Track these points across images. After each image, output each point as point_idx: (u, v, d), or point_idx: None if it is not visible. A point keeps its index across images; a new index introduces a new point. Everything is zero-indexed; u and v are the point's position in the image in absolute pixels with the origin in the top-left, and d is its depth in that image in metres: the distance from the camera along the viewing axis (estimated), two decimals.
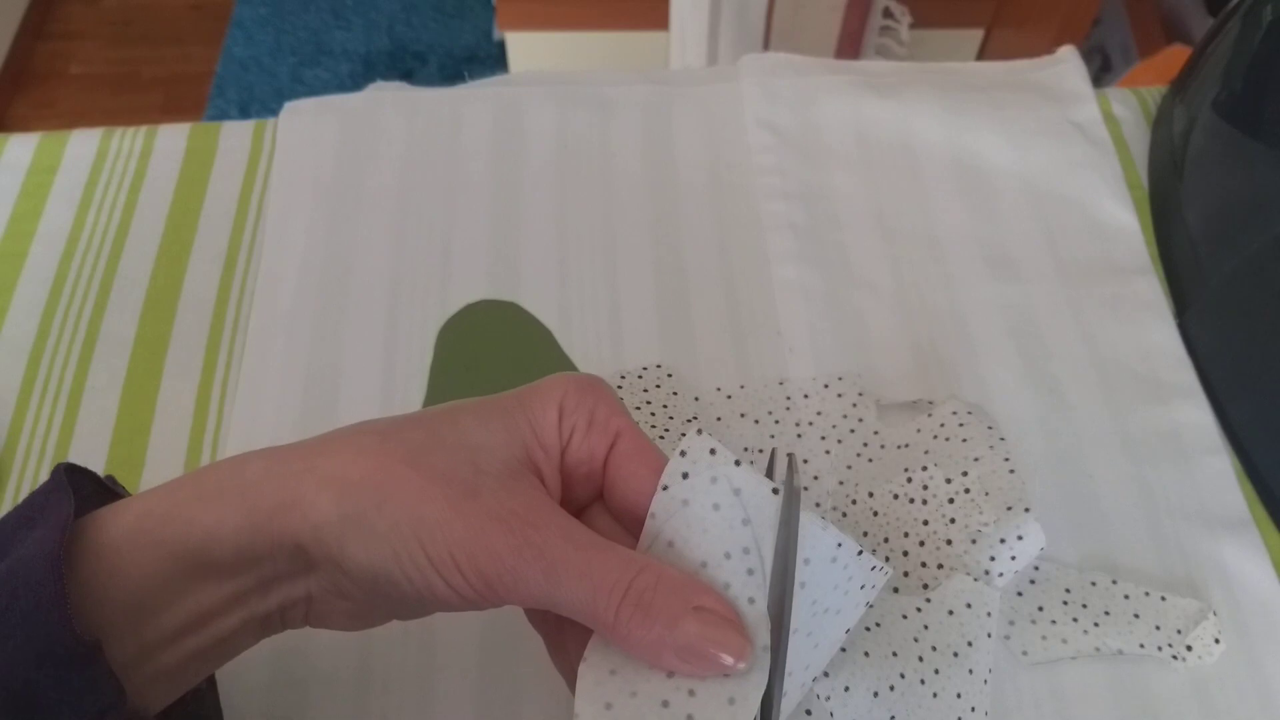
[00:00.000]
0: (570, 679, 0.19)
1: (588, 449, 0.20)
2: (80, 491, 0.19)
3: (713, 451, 0.19)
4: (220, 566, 0.18)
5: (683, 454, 0.19)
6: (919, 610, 0.25)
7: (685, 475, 0.19)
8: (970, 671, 0.25)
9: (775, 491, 0.19)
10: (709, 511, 0.19)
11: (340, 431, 0.19)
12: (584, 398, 0.20)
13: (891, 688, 0.24)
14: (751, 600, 0.18)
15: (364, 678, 0.26)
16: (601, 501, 0.21)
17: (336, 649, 0.27)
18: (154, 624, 0.18)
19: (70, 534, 0.18)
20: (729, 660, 0.17)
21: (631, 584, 0.18)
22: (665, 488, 0.19)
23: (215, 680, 0.23)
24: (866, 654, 0.24)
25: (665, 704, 0.18)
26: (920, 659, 0.25)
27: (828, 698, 0.24)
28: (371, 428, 0.19)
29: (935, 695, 0.24)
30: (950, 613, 0.25)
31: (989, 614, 0.26)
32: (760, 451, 0.30)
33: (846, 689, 0.24)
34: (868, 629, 0.25)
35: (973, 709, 0.25)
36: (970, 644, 0.25)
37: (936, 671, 0.25)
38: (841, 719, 0.24)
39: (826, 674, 0.24)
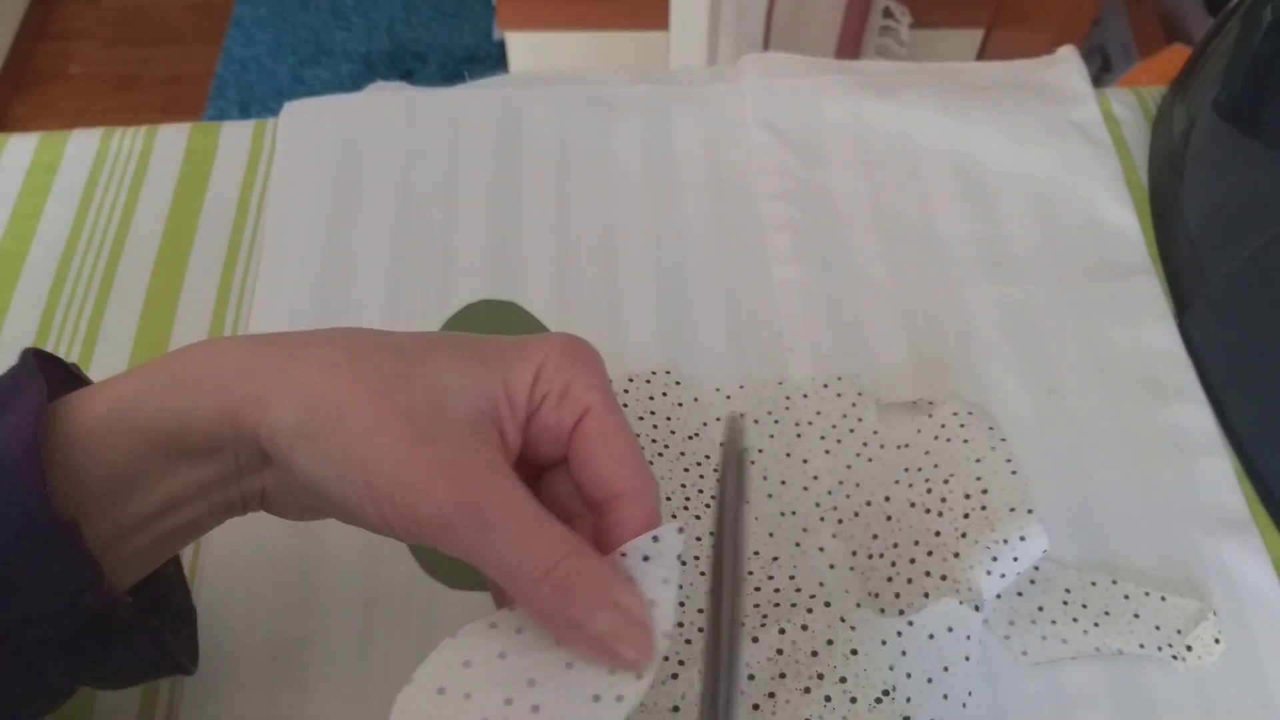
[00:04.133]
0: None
1: (556, 418, 0.20)
2: (50, 376, 0.19)
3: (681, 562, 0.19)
4: (191, 453, 0.19)
5: (655, 539, 0.19)
6: (899, 634, 0.25)
7: (646, 559, 0.19)
8: (945, 697, 0.25)
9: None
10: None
11: (322, 334, 0.20)
12: (565, 365, 0.20)
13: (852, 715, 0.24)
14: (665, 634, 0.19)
15: (364, 678, 0.26)
16: (565, 469, 0.21)
17: (336, 649, 0.27)
18: (128, 507, 0.18)
19: (44, 418, 0.18)
20: (631, 657, 0.18)
21: (559, 564, 0.18)
22: (623, 555, 0.19)
23: (180, 560, 0.23)
24: (844, 679, 0.24)
25: (531, 682, 0.18)
26: (894, 688, 0.24)
27: None
28: (350, 341, 0.19)
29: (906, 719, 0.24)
30: (930, 637, 0.25)
31: (968, 637, 0.25)
32: (760, 451, 0.30)
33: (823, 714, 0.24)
34: (849, 653, 0.24)
35: None
36: (946, 669, 0.25)
37: (909, 699, 0.24)
38: None
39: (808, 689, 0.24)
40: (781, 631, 0.25)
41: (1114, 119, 0.39)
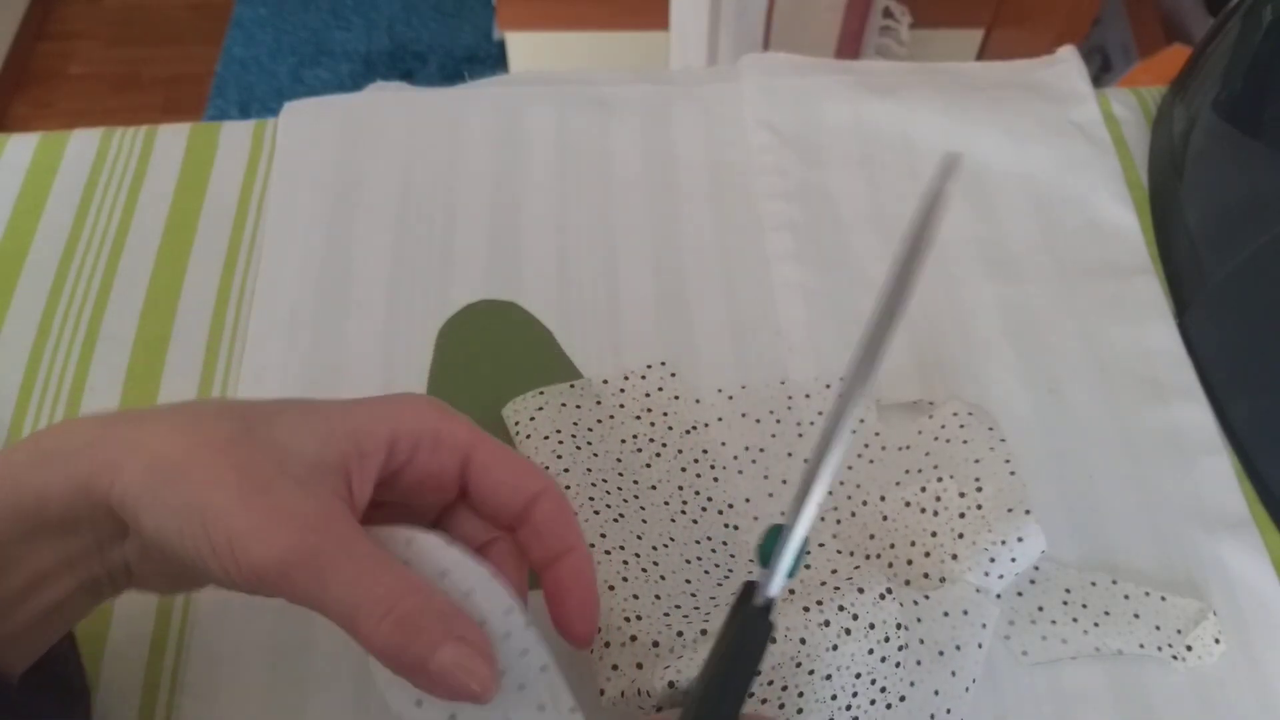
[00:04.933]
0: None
1: (437, 463, 0.21)
2: None
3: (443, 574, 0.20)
4: (51, 528, 0.19)
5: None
6: (915, 603, 0.25)
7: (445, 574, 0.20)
8: (953, 674, 0.25)
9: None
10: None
11: (174, 406, 0.20)
12: (426, 416, 0.21)
13: (874, 625, 0.24)
14: (524, 652, 0.20)
15: (364, 678, 0.26)
16: (466, 506, 0.22)
17: (336, 649, 0.27)
18: None
19: None
20: (476, 689, 0.18)
21: (398, 603, 0.18)
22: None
23: (75, 640, 0.24)
24: (861, 590, 0.24)
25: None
26: (905, 646, 0.25)
27: (826, 623, 0.24)
28: (198, 409, 0.20)
29: (912, 684, 0.24)
30: (945, 614, 0.25)
31: (984, 626, 0.25)
32: (761, 450, 0.30)
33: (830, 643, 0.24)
34: (870, 572, 0.25)
35: (948, 710, 0.25)
36: (958, 648, 0.25)
37: (919, 663, 0.25)
38: (814, 692, 0.24)
39: (820, 602, 0.24)
40: (807, 567, 0.26)
41: (1114, 119, 0.39)
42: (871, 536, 0.28)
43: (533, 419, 0.29)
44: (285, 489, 0.19)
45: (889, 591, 0.24)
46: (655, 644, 0.24)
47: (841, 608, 0.24)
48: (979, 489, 0.28)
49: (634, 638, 0.25)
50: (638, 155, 0.38)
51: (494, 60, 1.26)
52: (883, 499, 0.29)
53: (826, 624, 0.24)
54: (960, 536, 0.27)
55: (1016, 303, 0.34)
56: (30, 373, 0.33)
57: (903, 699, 0.24)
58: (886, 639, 0.24)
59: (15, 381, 0.32)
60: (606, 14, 0.97)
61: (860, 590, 0.24)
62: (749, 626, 0.19)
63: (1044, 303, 0.34)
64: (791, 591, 0.25)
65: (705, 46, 0.77)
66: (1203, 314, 0.33)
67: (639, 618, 0.25)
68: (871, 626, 0.24)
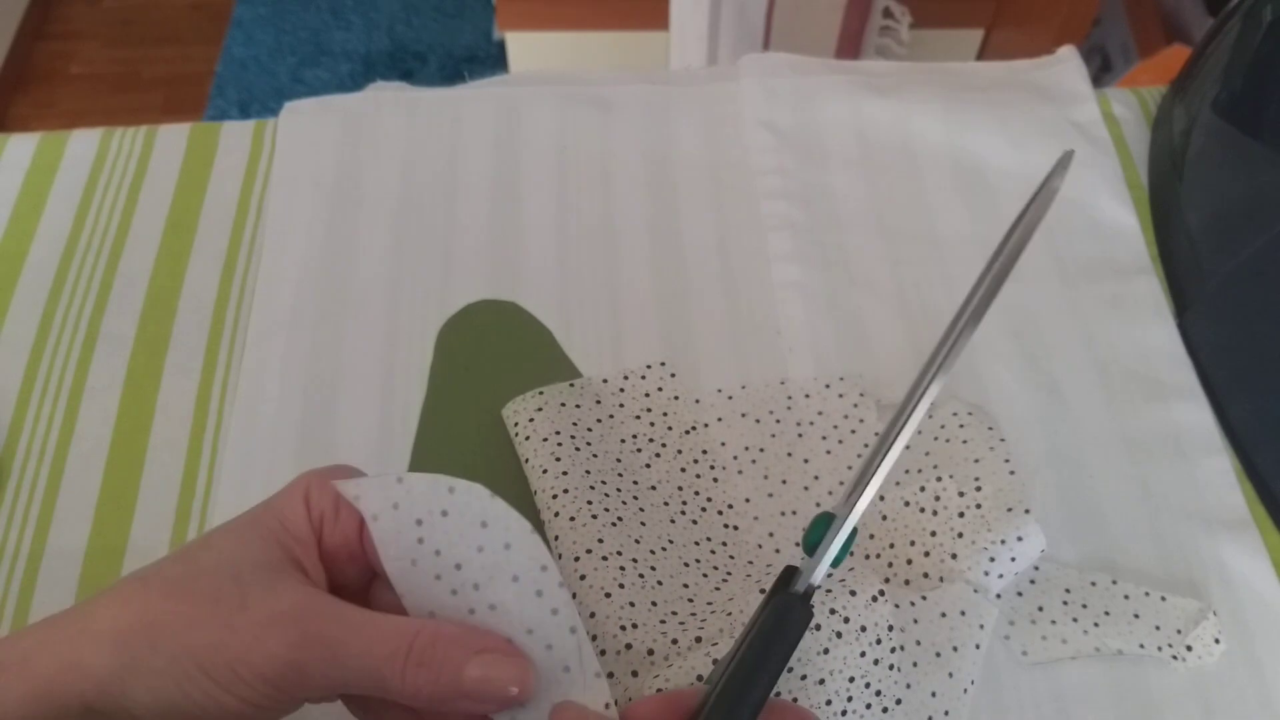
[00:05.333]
0: None
1: (341, 533, 0.21)
2: None
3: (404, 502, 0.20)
4: None
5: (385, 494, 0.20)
6: (912, 604, 0.25)
7: (396, 506, 0.20)
8: (950, 675, 0.25)
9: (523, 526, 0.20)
10: (473, 554, 0.20)
11: (109, 587, 0.20)
12: (325, 488, 0.21)
13: (865, 628, 0.24)
14: (555, 611, 0.20)
15: None
16: (381, 577, 0.22)
17: None
18: None
19: None
20: (514, 691, 0.19)
21: (411, 646, 0.19)
22: (375, 518, 0.20)
23: None
24: (853, 592, 0.24)
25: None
26: (901, 648, 0.25)
27: (817, 626, 0.24)
28: (135, 575, 0.20)
29: (909, 686, 0.24)
30: (943, 615, 0.25)
31: (981, 626, 0.25)
32: (761, 450, 0.30)
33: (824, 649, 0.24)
34: (861, 573, 0.25)
35: (946, 713, 0.25)
36: (955, 649, 0.25)
37: (915, 664, 0.25)
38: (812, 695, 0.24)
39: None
40: None
41: (1114, 119, 0.39)
42: (871, 536, 0.28)
43: (532, 420, 0.29)
44: (258, 597, 0.19)
45: (881, 594, 0.24)
46: (650, 651, 0.24)
47: (833, 610, 0.24)
48: (978, 488, 0.27)
49: (629, 646, 0.25)
50: (637, 155, 0.38)
51: (494, 60, 1.26)
52: (882, 499, 0.29)
53: (817, 628, 0.24)
54: (959, 536, 0.27)
55: (1017, 303, 0.34)
56: (30, 373, 0.33)
57: (899, 702, 0.24)
58: (879, 641, 0.24)
59: (15, 381, 0.32)
60: (606, 14, 0.96)
61: (852, 593, 0.24)
62: (788, 611, 0.19)
63: (1044, 303, 0.34)
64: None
65: (705, 46, 0.77)
66: (1203, 314, 0.33)
67: (635, 625, 0.25)
68: (863, 629, 0.24)
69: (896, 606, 0.25)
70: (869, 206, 0.37)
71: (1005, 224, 0.36)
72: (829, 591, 0.24)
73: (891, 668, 0.24)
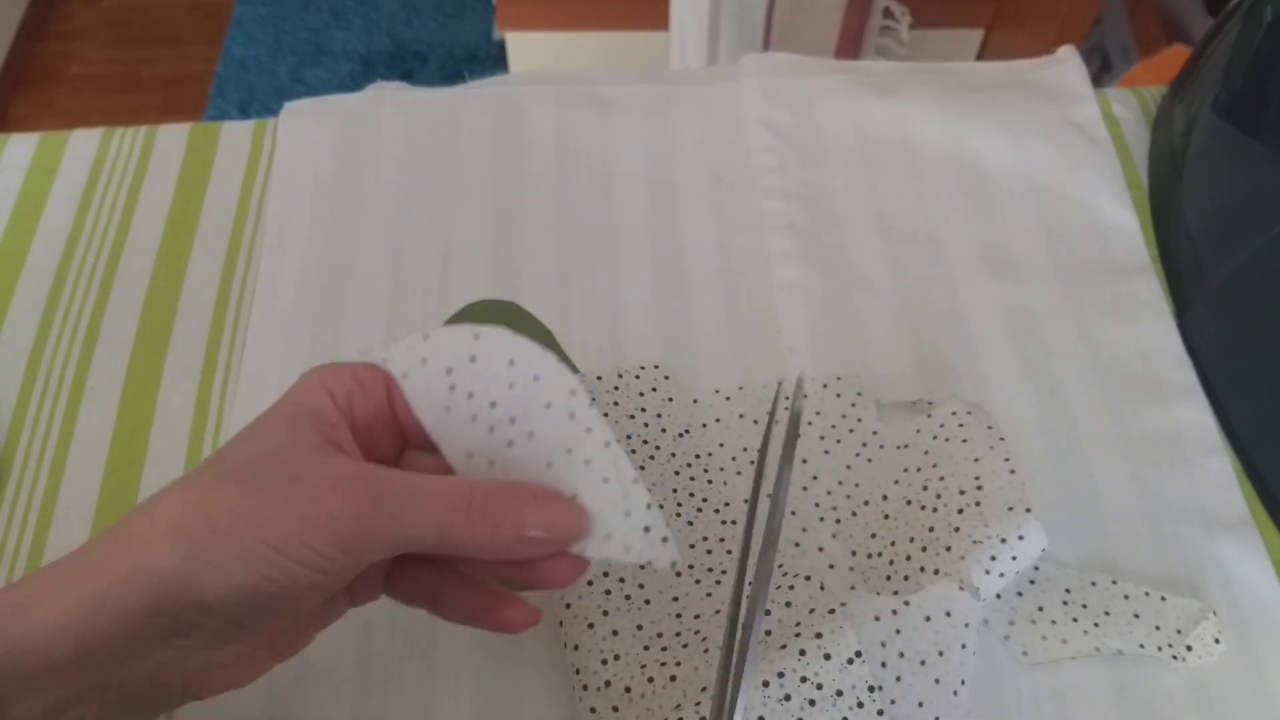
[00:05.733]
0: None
1: (372, 403, 0.21)
2: None
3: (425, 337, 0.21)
4: (61, 662, 0.18)
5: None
6: (894, 613, 0.25)
7: (425, 360, 0.21)
8: (936, 681, 0.25)
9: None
10: (505, 391, 0.21)
11: (150, 497, 0.20)
12: (340, 371, 0.21)
13: (842, 692, 0.24)
14: (589, 430, 0.20)
15: (364, 677, 0.26)
16: (411, 449, 0.22)
17: (336, 649, 0.27)
18: None
19: None
20: (575, 528, 0.20)
21: (469, 499, 0.19)
22: (405, 375, 0.21)
23: None
24: (828, 656, 0.24)
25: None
26: (883, 664, 0.24)
27: (786, 697, 0.23)
28: (176, 481, 0.20)
29: (893, 702, 0.24)
30: (927, 619, 0.25)
31: (967, 625, 0.25)
32: (760, 451, 0.30)
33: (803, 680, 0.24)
34: (838, 628, 0.25)
35: (937, 719, 0.25)
36: (941, 654, 0.25)
37: (898, 678, 0.24)
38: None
39: (781, 674, 0.24)
40: (767, 612, 0.26)
41: (1114, 119, 0.39)
42: (873, 535, 0.28)
43: None
44: (311, 471, 0.19)
45: (858, 655, 0.24)
46: (628, 689, 0.25)
47: (804, 679, 0.23)
48: (979, 487, 0.27)
49: (609, 682, 0.25)
50: (638, 155, 0.38)
51: (494, 60, 1.26)
52: (885, 498, 0.29)
53: (787, 698, 0.23)
54: (956, 530, 0.27)
55: (1016, 303, 0.34)
56: (30, 373, 0.33)
57: (880, 713, 0.24)
58: (859, 705, 0.24)
59: (15, 382, 0.32)
60: (606, 14, 0.96)
61: (827, 656, 0.24)
62: None
63: (1044, 303, 0.34)
64: (768, 632, 0.25)
65: (705, 47, 0.77)
66: (1202, 314, 0.33)
67: (616, 658, 0.25)
68: (839, 694, 0.24)
69: (877, 619, 0.25)
70: (869, 206, 0.37)
71: (1005, 224, 0.37)
72: (801, 654, 0.24)
73: (880, 713, 0.24)
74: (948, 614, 0.25)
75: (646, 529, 0.20)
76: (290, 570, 0.18)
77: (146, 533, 0.18)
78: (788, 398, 0.20)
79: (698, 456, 0.30)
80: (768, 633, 0.25)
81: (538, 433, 0.20)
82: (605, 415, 0.30)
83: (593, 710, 0.25)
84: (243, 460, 0.19)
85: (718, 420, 0.31)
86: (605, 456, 0.20)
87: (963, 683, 0.25)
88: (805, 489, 0.29)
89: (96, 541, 0.19)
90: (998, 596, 0.27)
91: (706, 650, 0.25)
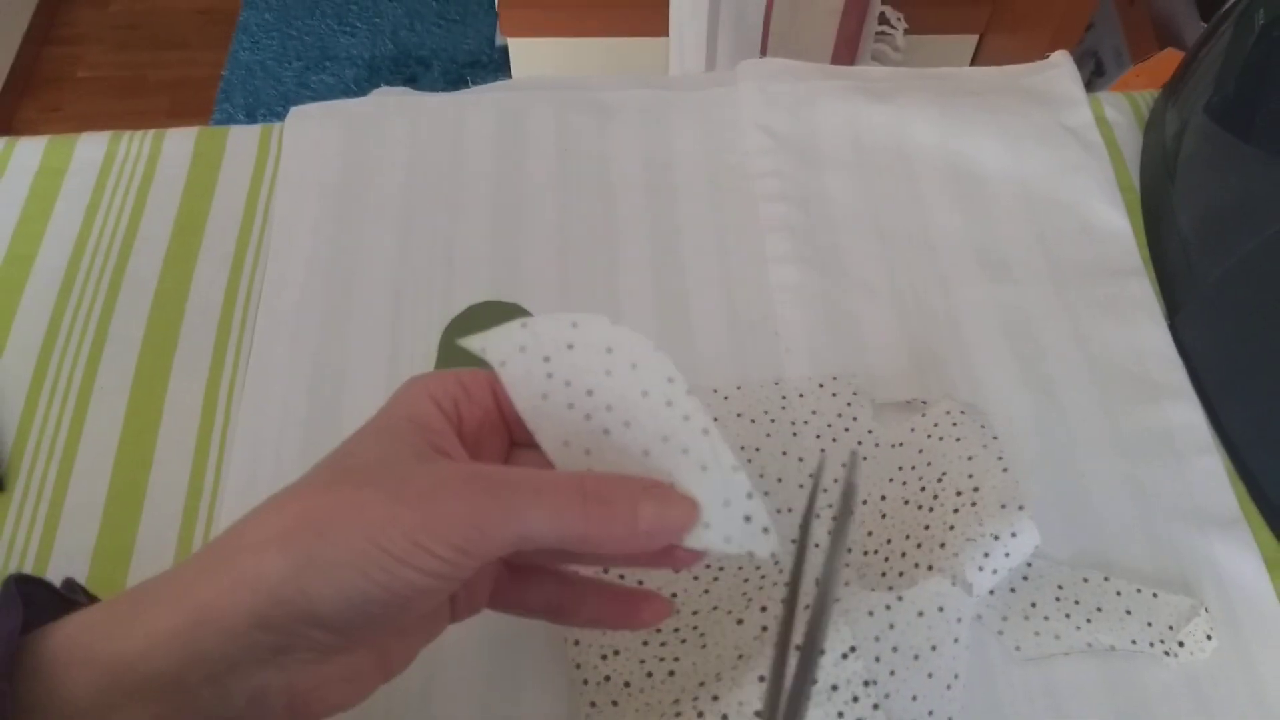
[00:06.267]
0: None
1: (480, 405, 0.21)
2: (35, 601, 0.18)
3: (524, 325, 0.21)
4: (163, 676, 0.17)
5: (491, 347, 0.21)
6: (888, 608, 0.25)
7: (523, 349, 0.21)
8: (930, 675, 0.25)
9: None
10: (602, 378, 0.20)
11: (254, 509, 0.19)
12: (445, 378, 0.21)
13: (837, 686, 0.24)
14: (686, 418, 0.20)
15: None
16: (519, 445, 0.22)
17: None
18: None
19: (17, 650, 0.17)
20: (688, 521, 0.19)
21: (583, 489, 0.18)
22: (503, 364, 0.20)
23: None
24: (822, 651, 0.24)
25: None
26: (877, 659, 0.24)
27: None
28: (278, 493, 0.19)
29: (887, 696, 0.24)
30: (920, 614, 0.25)
31: (959, 620, 0.25)
32: (757, 449, 0.31)
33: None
34: (834, 624, 0.25)
35: (930, 713, 0.25)
36: (934, 648, 0.25)
37: (892, 673, 0.25)
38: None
39: None
40: (763, 609, 0.26)
41: (1106, 123, 0.40)
42: (869, 533, 0.28)
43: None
44: (419, 474, 0.18)
45: (853, 650, 0.24)
46: (627, 684, 0.25)
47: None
48: (975, 488, 0.28)
49: (608, 677, 0.25)
50: (637, 159, 0.38)
51: (496, 66, 1.27)
52: (883, 498, 0.29)
53: None
54: (951, 529, 0.27)
55: (1010, 304, 0.35)
56: (39, 374, 0.33)
57: (875, 707, 0.24)
58: (855, 699, 0.24)
59: (25, 382, 0.33)
60: (607, 21, 0.97)
61: (821, 651, 0.23)
62: None
63: (1037, 304, 0.34)
64: (764, 628, 0.25)
65: (703, 52, 0.77)
66: (1194, 316, 0.34)
67: (615, 653, 0.26)
68: (834, 688, 0.24)
69: (871, 614, 0.25)
70: (865, 209, 0.37)
71: (1000, 226, 0.37)
72: (797, 648, 0.24)
73: (875, 707, 0.24)
74: (940, 609, 0.25)
75: (747, 518, 0.19)
76: (404, 574, 0.17)
77: (252, 543, 0.18)
78: (843, 465, 0.20)
79: None
80: (763, 628, 0.26)
81: (634, 420, 0.20)
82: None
83: (592, 704, 0.25)
84: (348, 467, 0.19)
85: (715, 420, 0.31)
86: (704, 444, 0.20)
87: (956, 677, 0.25)
88: (801, 486, 0.30)
89: (201, 554, 0.18)
90: (991, 593, 0.28)
91: (704, 646, 0.25)
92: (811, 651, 0.19)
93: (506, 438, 0.22)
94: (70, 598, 0.20)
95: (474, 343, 0.21)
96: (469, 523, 0.18)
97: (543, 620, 0.22)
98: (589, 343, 0.20)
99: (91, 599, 0.21)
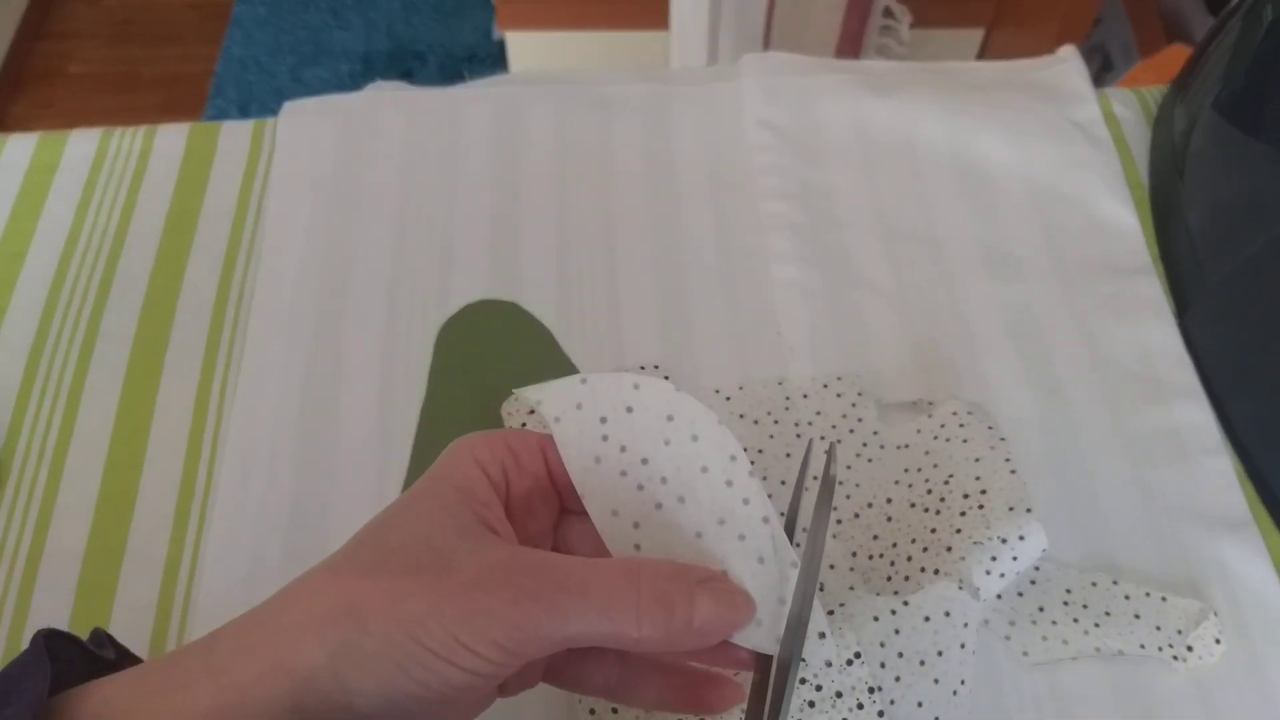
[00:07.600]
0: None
1: (530, 473, 0.20)
2: (64, 657, 0.18)
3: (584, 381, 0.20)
4: None
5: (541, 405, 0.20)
6: (894, 613, 0.25)
7: (580, 406, 0.20)
8: (936, 681, 0.25)
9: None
10: (660, 447, 0.19)
11: (291, 584, 0.19)
12: (493, 442, 0.20)
13: (841, 693, 0.24)
14: (746, 501, 0.19)
15: None
16: (569, 512, 0.21)
17: None
18: None
19: (44, 714, 0.16)
20: (744, 614, 0.18)
21: (638, 586, 0.17)
22: (558, 419, 0.20)
23: None
24: (828, 663, 0.24)
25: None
26: (882, 665, 0.24)
27: None
28: (319, 566, 0.19)
29: (892, 702, 0.24)
30: (926, 619, 0.25)
31: (966, 625, 0.25)
32: (760, 451, 0.30)
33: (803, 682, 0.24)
34: (838, 629, 0.24)
35: (936, 719, 0.24)
36: (940, 654, 0.25)
37: (897, 679, 0.24)
38: None
39: None
40: None
41: (1114, 119, 0.39)
42: (875, 537, 0.28)
43: (532, 413, 0.29)
44: (461, 561, 0.17)
45: (858, 656, 0.24)
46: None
47: (804, 680, 0.23)
48: (982, 491, 0.27)
49: None
50: (637, 154, 0.38)
51: (494, 60, 1.26)
52: (889, 501, 0.28)
53: None
54: (958, 532, 0.27)
55: (1017, 302, 0.34)
56: (30, 372, 0.33)
57: (881, 714, 0.24)
58: (860, 706, 0.24)
59: (15, 381, 0.32)
60: (606, 13, 0.96)
61: (828, 664, 0.23)
62: None
63: (1044, 302, 0.34)
64: None
65: (705, 46, 0.77)
66: (1203, 314, 0.33)
67: None
68: (839, 695, 0.23)
69: (876, 619, 0.25)
70: (869, 206, 0.37)
71: (1006, 224, 0.36)
72: (802, 659, 0.24)
73: (881, 714, 0.24)
74: (947, 614, 0.25)
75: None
76: (444, 672, 0.17)
77: (290, 625, 0.17)
78: (825, 453, 0.20)
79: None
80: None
81: (689, 498, 0.19)
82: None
83: (591, 712, 0.25)
84: (389, 547, 0.18)
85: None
86: (763, 533, 0.19)
87: (962, 682, 0.25)
88: (806, 489, 0.29)
89: (234, 630, 0.18)
90: (998, 597, 0.27)
91: None
92: (792, 658, 0.19)
93: (556, 504, 0.21)
94: (98, 654, 0.20)
95: (531, 394, 0.20)
96: (513, 622, 0.17)
97: (603, 699, 0.21)
98: (649, 407, 0.19)
99: (119, 649, 0.20)
